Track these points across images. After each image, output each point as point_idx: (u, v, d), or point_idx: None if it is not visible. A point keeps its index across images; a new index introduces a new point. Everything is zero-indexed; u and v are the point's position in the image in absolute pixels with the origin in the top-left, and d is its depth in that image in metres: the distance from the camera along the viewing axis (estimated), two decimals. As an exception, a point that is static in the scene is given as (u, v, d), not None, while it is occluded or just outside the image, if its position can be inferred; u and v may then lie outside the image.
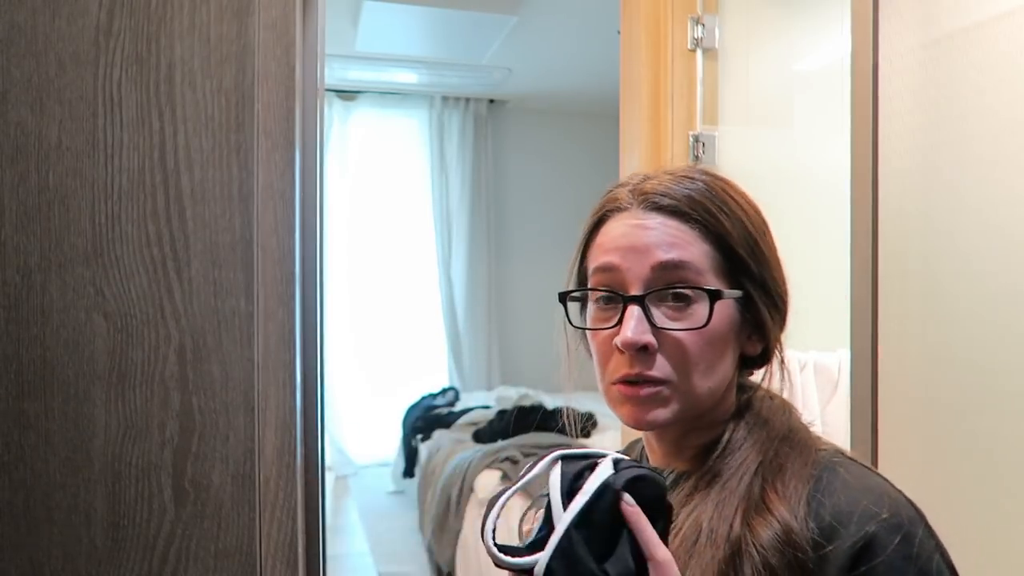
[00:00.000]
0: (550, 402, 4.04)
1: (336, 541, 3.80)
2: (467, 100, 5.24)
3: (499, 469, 3.10)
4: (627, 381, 0.69)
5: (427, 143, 5.21)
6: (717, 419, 0.74)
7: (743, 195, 0.75)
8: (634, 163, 1.93)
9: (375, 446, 5.03)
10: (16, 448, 0.68)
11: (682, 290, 0.68)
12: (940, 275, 1.14)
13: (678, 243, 0.69)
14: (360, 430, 5.04)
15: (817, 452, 0.70)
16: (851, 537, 0.62)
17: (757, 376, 0.79)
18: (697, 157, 1.88)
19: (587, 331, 0.74)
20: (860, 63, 1.22)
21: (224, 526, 0.71)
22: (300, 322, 0.75)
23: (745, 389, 0.77)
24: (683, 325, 0.68)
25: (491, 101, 5.32)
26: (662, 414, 0.69)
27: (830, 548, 0.62)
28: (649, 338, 0.68)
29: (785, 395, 0.78)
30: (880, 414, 1.19)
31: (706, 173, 0.75)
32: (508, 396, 4.35)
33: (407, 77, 4.79)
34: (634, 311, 0.68)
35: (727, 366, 0.72)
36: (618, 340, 0.68)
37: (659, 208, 0.71)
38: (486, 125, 5.33)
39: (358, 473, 4.96)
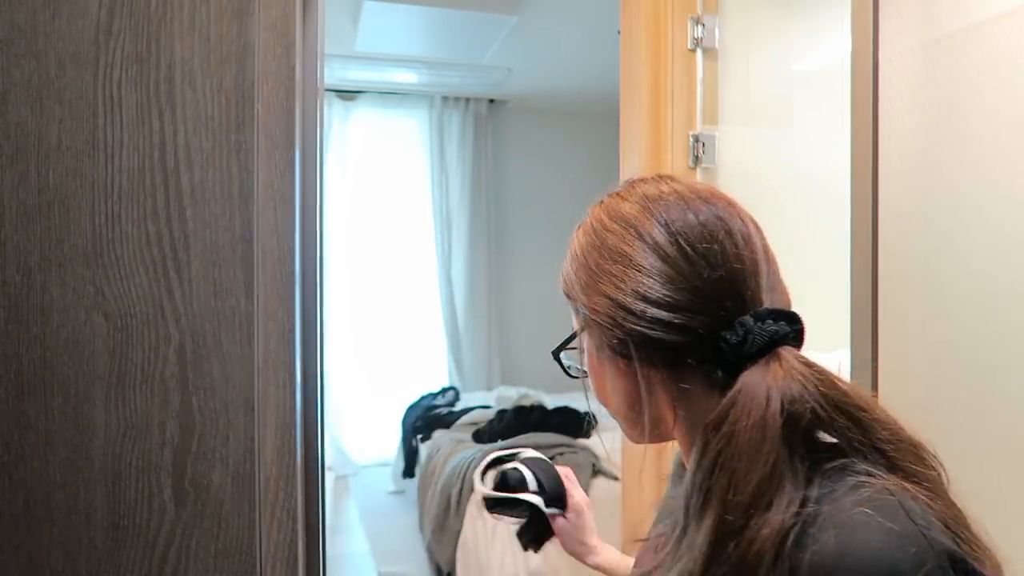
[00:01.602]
0: (550, 402, 4.04)
1: (336, 541, 3.80)
2: (467, 100, 5.24)
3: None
4: None
5: (427, 143, 5.21)
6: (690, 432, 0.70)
7: (595, 220, 0.72)
8: (634, 163, 1.93)
9: (375, 446, 5.03)
10: (16, 448, 0.68)
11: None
12: (940, 275, 1.14)
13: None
14: (360, 430, 5.04)
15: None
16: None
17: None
18: (697, 157, 1.88)
19: None
20: (860, 63, 1.22)
21: (224, 526, 0.71)
22: (300, 322, 0.75)
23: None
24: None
25: (491, 101, 5.32)
26: (624, 432, 0.77)
27: None
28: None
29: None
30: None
31: (596, 210, 0.74)
32: (508, 396, 4.34)
33: (407, 77, 4.79)
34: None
35: (613, 388, 0.72)
36: None
37: None
38: (486, 125, 5.33)
39: (358, 473, 4.97)
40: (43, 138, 0.69)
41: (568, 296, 0.74)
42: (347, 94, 5.00)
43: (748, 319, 0.64)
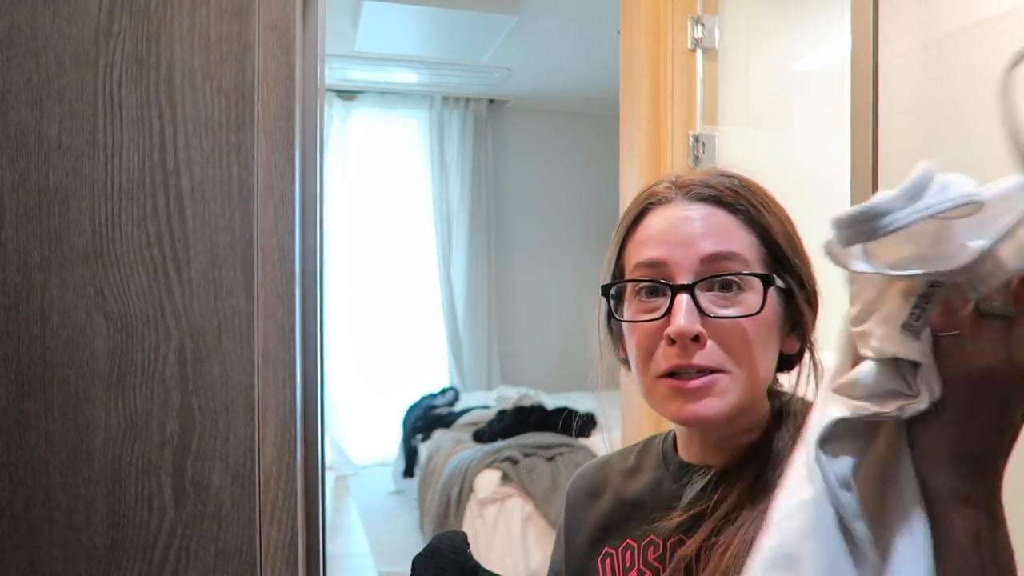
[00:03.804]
0: (550, 402, 4.04)
1: (336, 541, 3.80)
2: (467, 100, 5.24)
3: (499, 469, 3.10)
4: (675, 374, 0.68)
5: (427, 143, 5.21)
6: (756, 421, 0.73)
7: (774, 196, 0.76)
8: (634, 163, 1.93)
9: (375, 446, 5.03)
10: (16, 448, 0.68)
11: (733, 277, 0.67)
12: (940, 275, 1.14)
13: (725, 233, 0.68)
14: (360, 430, 5.04)
15: None
16: None
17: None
18: (697, 157, 1.88)
19: (628, 324, 0.72)
20: (860, 63, 1.22)
21: (224, 526, 0.71)
22: (300, 322, 0.75)
23: (779, 395, 0.76)
24: (734, 312, 0.67)
25: (491, 101, 5.32)
26: (717, 405, 0.67)
27: None
28: (700, 327, 0.66)
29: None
30: (880, 414, 1.19)
31: (738, 174, 0.75)
32: (508, 396, 4.34)
33: (407, 77, 4.79)
34: (683, 299, 0.67)
35: (774, 357, 0.71)
36: (670, 330, 0.66)
37: (703, 198, 0.70)
38: (486, 125, 5.33)
39: (358, 473, 4.97)
40: (43, 138, 0.69)
41: (783, 261, 0.71)
42: (347, 94, 5.00)
43: None
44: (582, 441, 3.40)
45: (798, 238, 0.73)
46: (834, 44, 1.82)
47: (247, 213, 0.72)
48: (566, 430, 3.49)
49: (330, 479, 4.79)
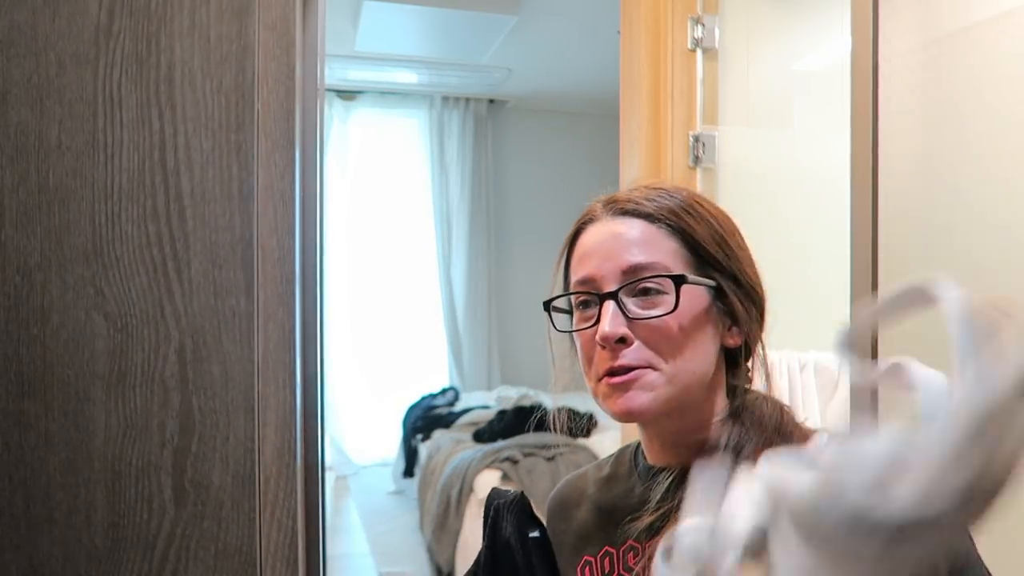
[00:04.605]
0: (550, 402, 4.04)
1: (336, 541, 3.80)
2: (467, 100, 5.24)
3: (499, 469, 3.10)
4: (611, 373, 0.73)
5: (427, 143, 5.21)
6: (708, 418, 0.76)
7: (713, 205, 0.80)
8: (634, 163, 1.93)
9: (375, 446, 5.03)
10: (16, 448, 0.68)
11: (649, 283, 0.73)
12: (940, 275, 1.14)
13: (646, 244, 0.74)
14: (360, 430, 5.04)
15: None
16: None
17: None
18: (697, 157, 1.88)
19: (573, 333, 0.79)
20: (860, 63, 1.22)
21: (224, 526, 0.71)
22: (300, 322, 0.75)
23: (737, 392, 0.79)
24: (655, 312, 0.73)
25: (491, 101, 5.32)
26: (643, 397, 0.72)
27: None
28: (624, 330, 0.73)
29: (775, 394, 0.79)
30: (880, 415, 1.19)
31: (680, 189, 0.80)
32: (508, 396, 4.35)
33: (407, 77, 4.79)
34: (609, 307, 0.73)
35: (708, 352, 0.75)
36: (597, 335, 0.73)
37: (626, 212, 0.76)
38: (486, 125, 5.33)
39: (358, 473, 4.97)
40: (43, 138, 0.69)
41: (711, 261, 0.75)
42: (347, 94, 5.00)
43: None
44: (582, 441, 3.40)
45: (735, 241, 0.78)
46: (834, 44, 1.82)
47: (247, 213, 0.72)
48: (566, 430, 3.49)
49: (330, 479, 4.79)
